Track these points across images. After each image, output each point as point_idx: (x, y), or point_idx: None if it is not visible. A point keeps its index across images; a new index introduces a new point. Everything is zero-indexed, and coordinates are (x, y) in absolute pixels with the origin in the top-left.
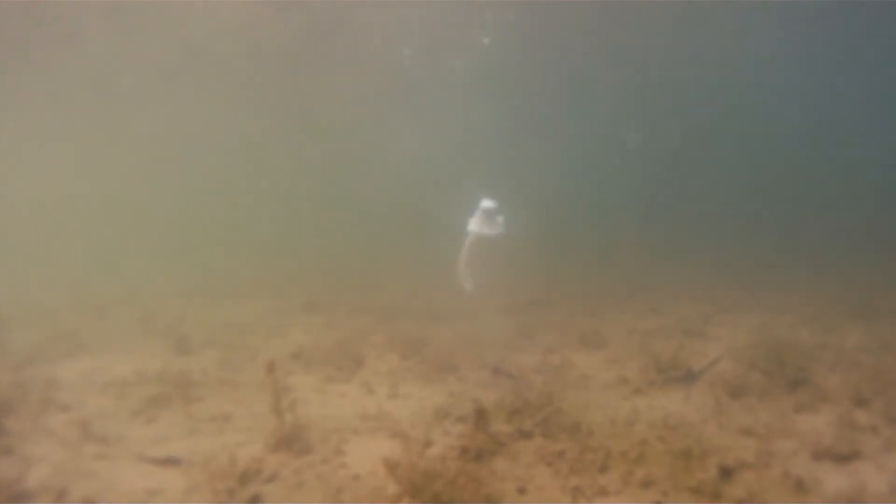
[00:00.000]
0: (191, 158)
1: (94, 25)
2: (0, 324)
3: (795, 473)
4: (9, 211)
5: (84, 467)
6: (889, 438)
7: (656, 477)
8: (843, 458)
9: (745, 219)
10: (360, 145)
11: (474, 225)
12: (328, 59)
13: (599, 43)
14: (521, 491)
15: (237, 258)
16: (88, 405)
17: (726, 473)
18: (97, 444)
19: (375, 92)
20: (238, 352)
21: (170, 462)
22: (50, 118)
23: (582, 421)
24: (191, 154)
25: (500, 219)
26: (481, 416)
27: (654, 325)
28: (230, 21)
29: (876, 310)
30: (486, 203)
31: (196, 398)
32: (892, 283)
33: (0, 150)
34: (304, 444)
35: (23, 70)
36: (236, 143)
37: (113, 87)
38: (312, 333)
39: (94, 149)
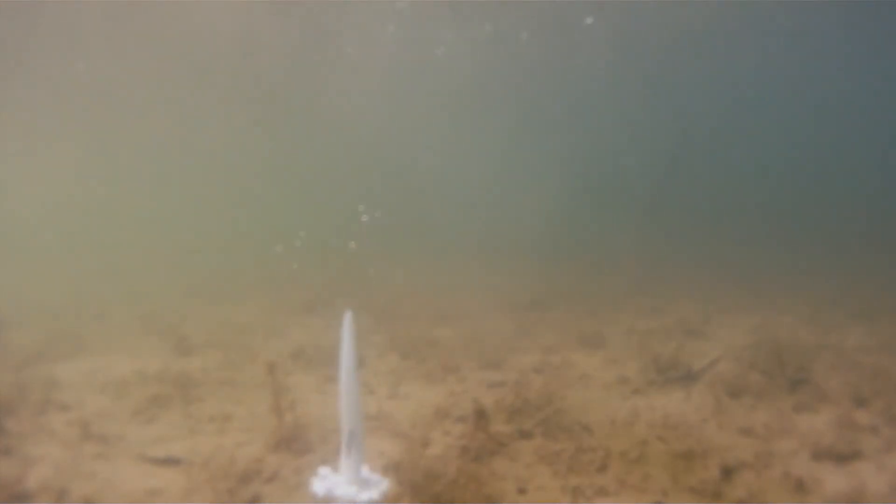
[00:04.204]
0: (190, 158)
1: (94, 26)
2: (0, 324)
3: (795, 473)
4: (9, 211)
5: (84, 467)
6: (889, 438)
7: (656, 477)
8: (843, 458)
9: (745, 219)
10: (359, 145)
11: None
12: (330, 57)
13: (604, 44)
14: (521, 491)
15: (237, 258)
16: (88, 405)
17: (726, 473)
18: (97, 444)
19: (376, 90)
20: (238, 352)
21: (170, 462)
22: (50, 119)
23: (582, 421)
24: (190, 154)
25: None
26: (481, 416)
27: (654, 325)
28: (230, 20)
29: (876, 310)
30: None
31: (196, 398)
32: (892, 283)
33: (0, 151)
34: (304, 444)
35: (23, 71)
36: (235, 143)
37: (112, 89)
38: (312, 333)
39: (94, 149)
